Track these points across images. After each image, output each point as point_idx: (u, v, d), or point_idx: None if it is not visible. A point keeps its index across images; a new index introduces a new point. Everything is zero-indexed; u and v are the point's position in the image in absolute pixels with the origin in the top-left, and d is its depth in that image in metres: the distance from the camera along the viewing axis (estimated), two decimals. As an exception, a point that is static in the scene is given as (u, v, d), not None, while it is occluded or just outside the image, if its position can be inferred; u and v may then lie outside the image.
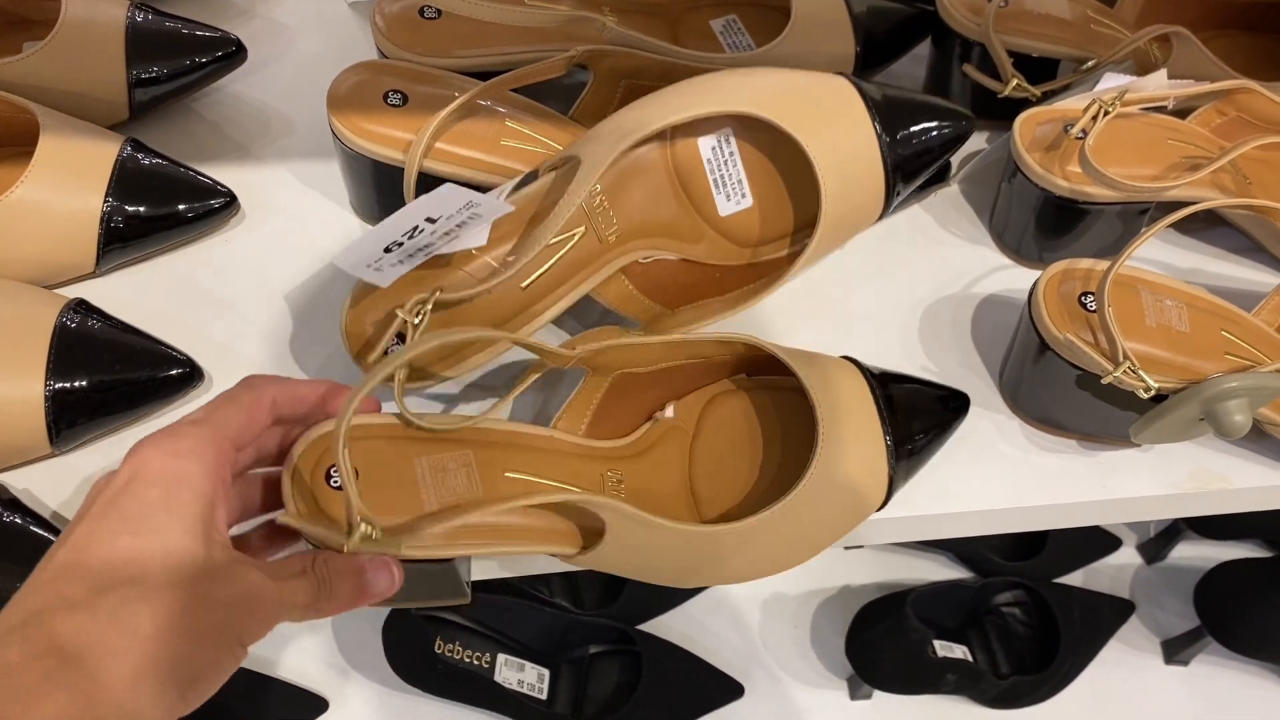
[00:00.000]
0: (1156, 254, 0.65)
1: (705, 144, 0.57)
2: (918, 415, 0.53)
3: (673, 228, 0.57)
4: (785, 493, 0.47)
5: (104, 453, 0.53)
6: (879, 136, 0.54)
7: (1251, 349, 0.54)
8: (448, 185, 0.48)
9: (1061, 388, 0.54)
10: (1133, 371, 0.50)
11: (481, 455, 0.48)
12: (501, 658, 0.92)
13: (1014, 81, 0.63)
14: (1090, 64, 0.63)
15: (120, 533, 0.36)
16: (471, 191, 0.47)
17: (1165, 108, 0.62)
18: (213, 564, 0.37)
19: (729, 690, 0.96)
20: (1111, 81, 0.60)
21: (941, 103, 0.57)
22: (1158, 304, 0.54)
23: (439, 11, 0.62)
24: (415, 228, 0.46)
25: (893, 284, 0.62)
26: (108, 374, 0.51)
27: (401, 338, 0.50)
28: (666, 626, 1.00)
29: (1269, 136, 0.58)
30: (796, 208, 0.57)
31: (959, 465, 0.56)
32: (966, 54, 0.66)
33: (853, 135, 0.54)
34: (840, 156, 0.53)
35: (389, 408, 0.48)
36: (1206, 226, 0.65)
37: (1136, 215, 0.61)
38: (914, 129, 0.55)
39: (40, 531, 0.48)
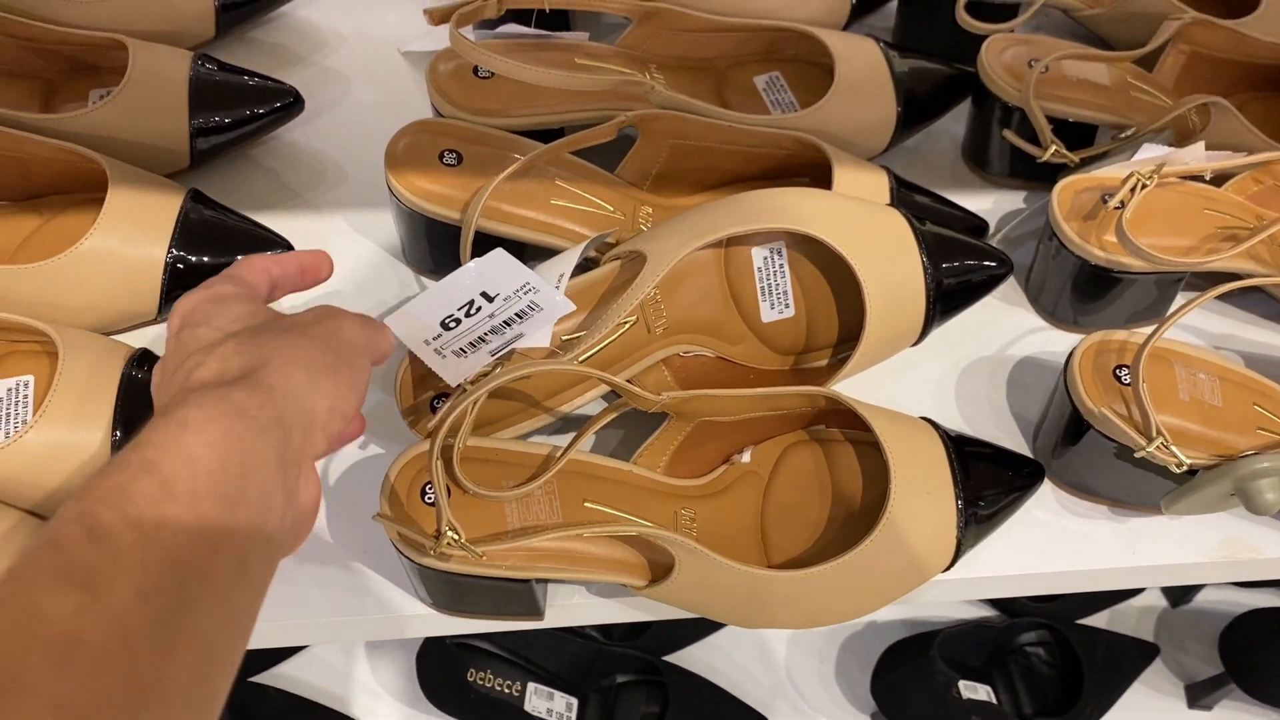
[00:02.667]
0: (1190, 319, 0.66)
1: (758, 253, 0.58)
2: (991, 481, 0.54)
3: (716, 327, 0.59)
4: (853, 544, 0.49)
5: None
6: (925, 270, 0.56)
7: (1282, 422, 0.55)
8: (500, 251, 0.50)
9: (1095, 457, 0.55)
10: (1165, 448, 0.51)
11: (564, 484, 0.51)
12: (531, 686, 0.94)
13: (1053, 148, 0.64)
14: (1129, 132, 0.64)
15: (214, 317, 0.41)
16: (528, 272, 0.49)
17: (1203, 177, 0.63)
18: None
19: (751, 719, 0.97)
20: (1150, 152, 0.61)
21: (985, 245, 0.59)
22: (1191, 377, 0.55)
23: (491, 71, 0.64)
24: (472, 303, 0.48)
25: (930, 342, 0.63)
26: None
27: (443, 397, 0.52)
28: (693, 658, 1.02)
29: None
30: (836, 323, 0.59)
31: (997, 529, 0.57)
32: (1006, 116, 0.67)
33: (902, 265, 0.56)
34: (888, 284, 0.55)
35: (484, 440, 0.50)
36: (1240, 292, 0.66)
37: (1172, 283, 0.62)
38: (958, 267, 0.57)
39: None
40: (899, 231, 0.57)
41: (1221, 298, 0.66)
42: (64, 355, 0.52)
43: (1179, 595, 1.08)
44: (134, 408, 0.53)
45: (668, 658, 1.00)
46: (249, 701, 0.94)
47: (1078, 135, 0.67)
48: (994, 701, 0.97)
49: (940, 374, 0.63)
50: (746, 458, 0.56)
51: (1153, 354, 0.55)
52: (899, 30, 0.78)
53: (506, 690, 0.93)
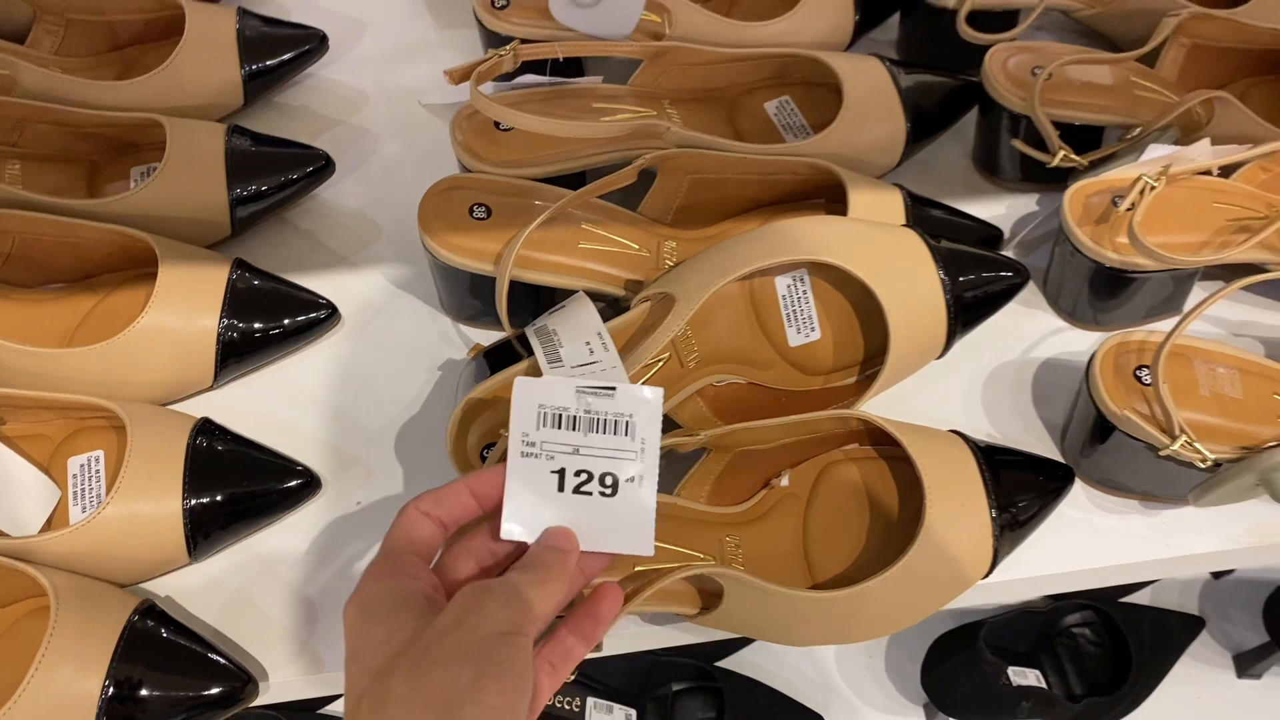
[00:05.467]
0: (1209, 310, 0.67)
1: (781, 282, 0.61)
2: (1023, 487, 0.56)
3: (747, 356, 0.61)
4: (894, 559, 0.51)
5: (233, 558, 0.58)
6: (944, 286, 0.58)
7: (1305, 412, 0.57)
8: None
9: (1122, 456, 0.57)
10: (1190, 445, 0.53)
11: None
12: (591, 701, 0.97)
13: (1061, 153, 0.66)
14: (1135, 132, 0.66)
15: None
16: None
17: (1210, 170, 0.65)
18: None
19: (806, 718, 1.00)
20: (1157, 152, 0.63)
21: (1001, 256, 0.61)
22: (1210, 372, 0.57)
23: (512, 123, 0.67)
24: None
25: (955, 349, 0.65)
26: (237, 488, 0.56)
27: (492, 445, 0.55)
28: (745, 661, 1.04)
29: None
30: (862, 343, 0.61)
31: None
32: (1014, 124, 0.69)
33: (920, 284, 0.58)
34: (908, 303, 0.57)
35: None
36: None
37: (1187, 278, 0.64)
38: (976, 280, 0.59)
39: (179, 640, 0.53)
40: (915, 251, 0.59)
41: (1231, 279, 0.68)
42: (131, 430, 0.55)
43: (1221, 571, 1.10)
44: (202, 477, 0.55)
45: (720, 663, 1.03)
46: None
47: (1085, 137, 0.68)
48: (1044, 686, 0.99)
49: (966, 382, 0.65)
50: (785, 481, 0.58)
51: (1171, 352, 0.57)
52: (902, 45, 0.80)
53: (567, 706, 0.95)
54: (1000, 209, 0.72)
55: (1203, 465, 0.54)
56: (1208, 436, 0.55)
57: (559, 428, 0.46)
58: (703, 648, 1.03)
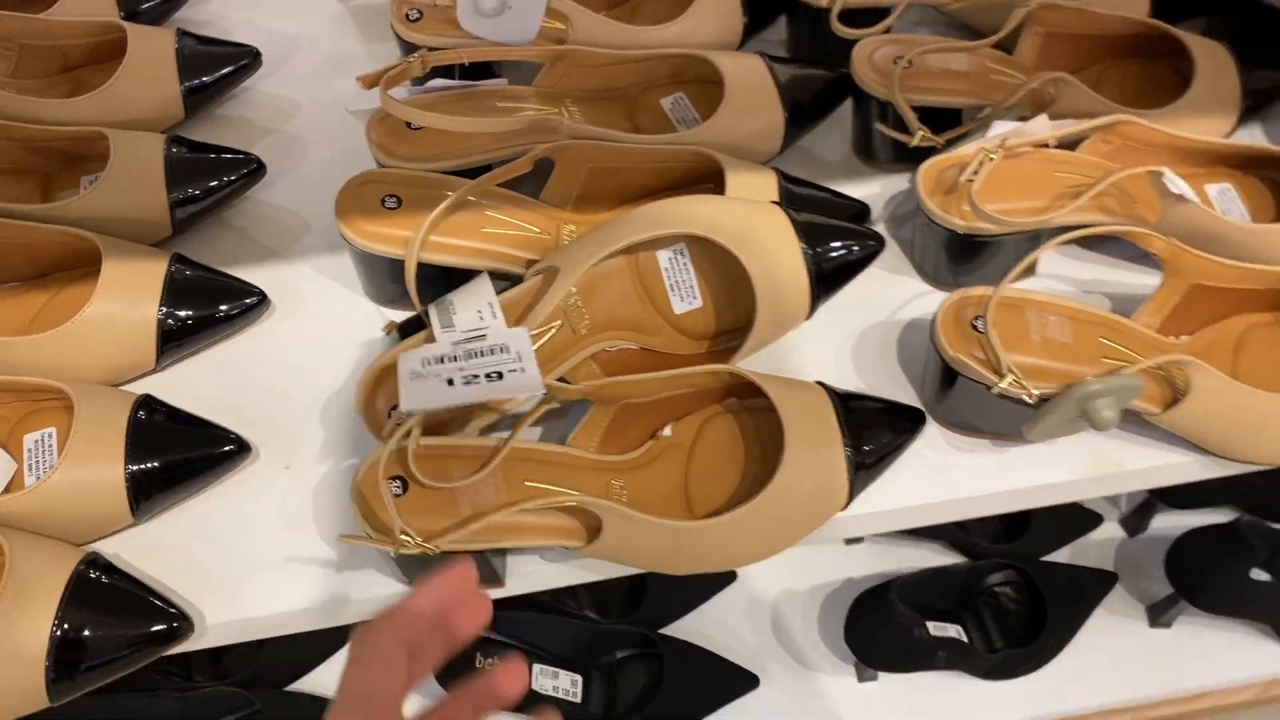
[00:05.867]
0: (1063, 269, 0.74)
1: (663, 255, 0.67)
2: (876, 429, 0.63)
3: (635, 323, 0.68)
4: None
5: (174, 518, 0.64)
6: (805, 255, 0.65)
7: (1128, 351, 0.64)
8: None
9: (967, 399, 0.64)
10: (1017, 383, 0.60)
11: (507, 469, 0.60)
12: (536, 667, 1.03)
13: (920, 134, 0.73)
14: (985, 112, 0.73)
15: None
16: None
17: (1051, 144, 0.72)
18: None
19: (745, 682, 1.06)
20: (1000, 128, 0.70)
21: (857, 227, 0.68)
22: (1041, 320, 0.64)
23: (422, 123, 0.73)
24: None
25: (831, 315, 0.72)
26: (173, 455, 0.63)
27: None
28: (686, 628, 1.10)
29: (1135, 168, 0.68)
30: (740, 308, 0.67)
31: (890, 469, 0.65)
32: (882, 110, 0.76)
33: (783, 254, 0.65)
34: (772, 271, 0.64)
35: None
36: (1106, 240, 0.74)
37: (1035, 241, 0.70)
38: (833, 249, 0.66)
39: (122, 585, 0.59)
40: (779, 224, 0.66)
41: (1091, 246, 0.75)
42: (78, 405, 0.62)
43: (1134, 526, 1.16)
44: (142, 445, 0.62)
45: (664, 630, 1.09)
46: (284, 710, 1.03)
47: (945, 120, 0.75)
48: (964, 640, 1.05)
49: (839, 343, 0.71)
50: (668, 432, 0.65)
51: (1006, 303, 0.64)
52: (791, 44, 0.87)
53: (514, 673, 1.01)
54: (875, 189, 0.79)
55: (1030, 401, 0.60)
56: (1037, 376, 0.61)
57: (442, 363, 0.53)
58: (645, 616, 1.09)
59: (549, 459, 0.61)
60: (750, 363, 0.69)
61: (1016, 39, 0.79)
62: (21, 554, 0.57)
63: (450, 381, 0.56)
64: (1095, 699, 1.08)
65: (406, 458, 0.58)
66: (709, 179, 0.74)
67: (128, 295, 0.67)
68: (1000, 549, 1.12)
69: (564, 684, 1.04)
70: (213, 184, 0.74)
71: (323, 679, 1.08)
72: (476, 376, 0.56)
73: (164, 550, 0.63)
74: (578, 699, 1.04)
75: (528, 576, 0.63)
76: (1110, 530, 1.18)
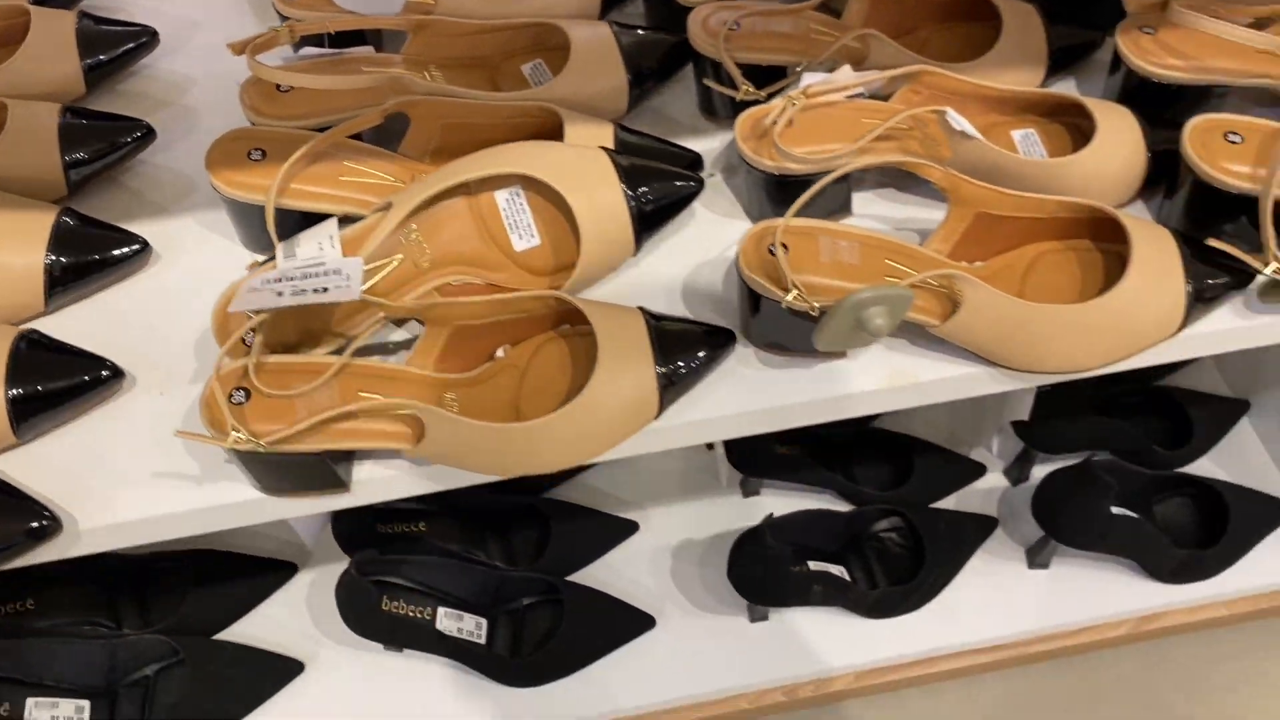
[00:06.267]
0: (873, 209, 0.81)
1: (501, 196, 0.75)
2: (687, 347, 0.70)
3: (478, 259, 0.75)
4: None
5: (57, 439, 0.71)
6: (625, 195, 0.72)
7: (912, 272, 0.70)
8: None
9: (769, 318, 0.71)
10: (800, 296, 0.67)
11: (344, 383, 0.67)
12: (441, 610, 1.09)
13: (744, 88, 0.80)
14: (801, 67, 0.80)
15: None
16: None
17: (864, 94, 0.79)
18: None
19: (643, 622, 1.13)
20: (810, 79, 0.77)
21: (677, 170, 0.75)
22: (833, 245, 0.71)
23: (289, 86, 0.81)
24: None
25: (668, 253, 0.79)
26: (51, 382, 0.69)
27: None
28: (590, 576, 1.17)
29: (920, 109, 0.75)
30: (576, 245, 0.73)
31: (709, 385, 0.72)
32: (716, 70, 0.83)
33: (606, 195, 0.72)
34: (596, 208, 0.71)
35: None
36: (915, 181, 0.81)
37: (843, 181, 0.77)
38: (654, 189, 0.73)
39: (3, 493, 0.66)
40: (602, 166, 0.73)
41: (906, 189, 0.82)
42: (-33, 339, 0.69)
43: (1016, 475, 1.23)
44: (21, 373, 0.69)
45: (570, 577, 1.16)
46: (209, 656, 1.10)
47: (775, 77, 0.82)
48: (844, 577, 1.12)
49: (671, 278, 0.78)
50: (501, 354, 0.72)
51: (800, 231, 0.71)
52: (647, 16, 0.94)
53: (417, 614, 1.08)
54: (716, 143, 0.86)
55: (814, 314, 0.67)
56: (824, 294, 0.68)
57: (279, 282, 0.61)
58: (551, 564, 1.16)
59: (383, 374, 0.68)
60: (600, 291, 0.76)
61: (845, 3, 0.86)
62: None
63: (280, 294, 0.63)
64: (976, 635, 1.15)
65: (250, 374, 0.65)
66: (558, 135, 0.81)
67: (16, 243, 0.74)
68: (886, 495, 1.19)
69: (468, 626, 1.10)
70: (102, 147, 0.81)
71: (247, 629, 1.15)
72: (304, 291, 0.63)
73: (43, 467, 0.70)
74: (482, 640, 1.10)
75: (370, 485, 0.70)
76: (994, 480, 1.24)
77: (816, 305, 0.67)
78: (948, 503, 1.22)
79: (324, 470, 0.67)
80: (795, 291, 0.67)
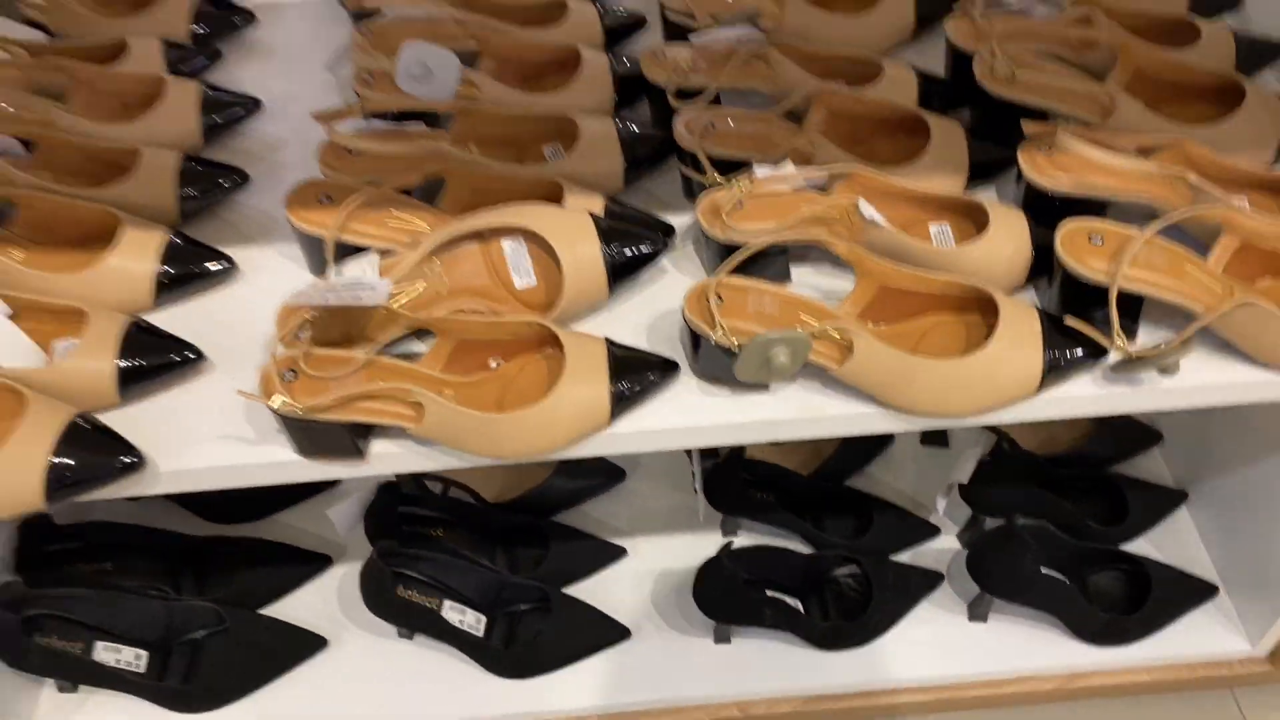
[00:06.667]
0: (812, 280, 0.99)
1: (507, 244, 0.95)
2: (638, 371, 0.89)
3: (486, 292, 0.95)
4: None
5: (150, 403, 0.92)
6: (603, 250, 0.92)
7: (818, 325, 0.89)
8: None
9: (706, 354, 0.89)
10: (725, 336, 0.85)
11: (370, 373, 0.86)
12: (447, 603, 1.28)
13: (711, 176, 1.00)
14: (757, 160, 1.00)
15: None
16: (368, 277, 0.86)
17: (807, 186, 0.98)
18: None
19: (620, 633, 1.30)
20: (761, 171, 0.97)
21: (646, 233, 0.95)
22: (759, 300, 0.90)
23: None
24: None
25: (641, 301, 0.98)
26: (150, 358, 0.91)
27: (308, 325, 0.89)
28: (580, 589, 1.35)
29: (842, 199, 0.94)
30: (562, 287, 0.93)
31: (655, 404, 0.91)
32: (694, 161, 1.03)
33: (587, 248, 0.92)
34: (578, 261, 0.91)
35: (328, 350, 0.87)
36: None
37: (781, 253, 0.96)
38: (626, 247, 0.93)
39: (104, 434, 0.87)
40: (586, 226, 0.93)
41: (836, 265, 1.00)
42: (93, 322, 0.91)
43: (967, 540, 1.38)
44: (130, 350, 0.90)
45: (564, 590, 1.33)
46: (249, 626, 1.29)
47: (738, 168, 1.02)
48: (797, 607, 1.27)
49: (639, 319, 0.97)
50: (494, 364, 0.92)
51: (735, 287, 0.90)
52: (651, 114, 1.15)
53: (427, 604, 1.26)
54: (689, 219, 1.05)
55: (735, 350, 0.86)
56: (747, 335, 0.87)
57: (325, 289, 0.82)
58: (548, 574, 1.33)
59: (399, 370, 0.88)
60: (585, 326, 0.96)
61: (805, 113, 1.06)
62: (35, 403, 0.85)
63: (327, 298, 0.84)
64: (916, 674, 1.29)
65: (298, 361, 0.85)
66: (560, 202, 1.02)
67: (137, 253, 0.97)
68: (848, 544, 1.35)
69: (470, 620, 1.28)
70: (209, 186, 1.04)
71: (284, 608, 1.35)
72: (344, 297, 0.84)
73: (138, 423, 0.91)
74: (481, 634, 1.28)
75: (385, 458, 0.90)
76: (948, 543, 1.40)
77: (737, 343, 0.85)
78: (902, 557, 1.37)
79: (347, 440, 0.86)
80: (721, 331, 0.86)
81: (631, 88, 1.14)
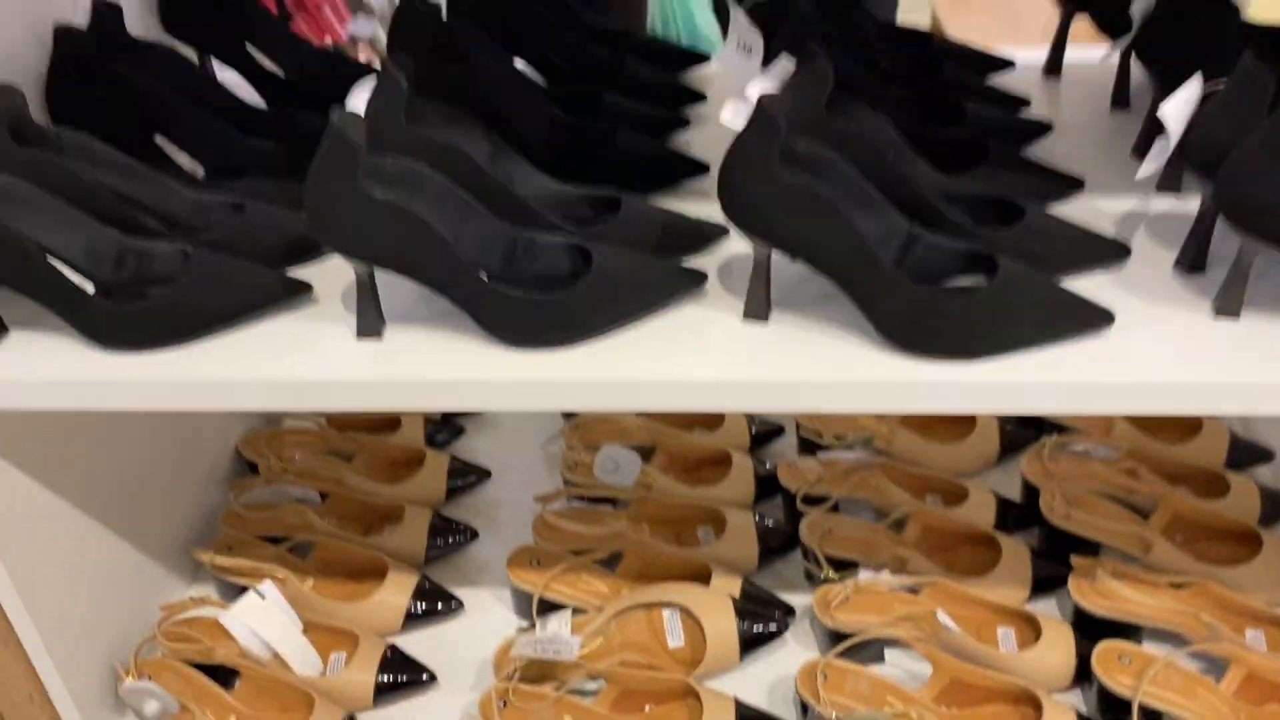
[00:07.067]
0: (902, 662, 1.27)
1: (665, 612, 1.27)
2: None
3: (645, 648, 1.24)
4: None
5: (398, 709, 1.24)
6: (738, 627, 1.23)
7: (899, 704, 1.15)
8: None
9: (811, 718, 1.17)
10: (827, 708, 1.13)
11: (557, 708, 1.16)
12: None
13: (826, 572, 1.30)
14: (861, 564, 1.30)
15: None
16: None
17: (912, 588, 1.27)
18: None
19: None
20: (865, 574, 1.27)
21: (773, 612, 1.26)
22: (856, 680, 1.17)
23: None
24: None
25: (769, 670, 1.27)
26: (398, 676, 1.23)
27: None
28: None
29: (926, 606, 1.23)
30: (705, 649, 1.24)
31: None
32: (816, 557, 1.34)
33: (725, 624, 1.24)
34: (719, 633, 1.22)
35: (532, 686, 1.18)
36: (932, 650, 1.26)
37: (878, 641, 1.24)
38: (756, 624, 1.25)
39: None
40: (726, 608, 1.24)
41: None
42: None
43: None
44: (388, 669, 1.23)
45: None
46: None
47: (848, 566, 1.32)
48: None
49: (763, 682, 1.26)
50: (647, 709, 1.21)
51: (837, 669, 1.18)
52: (784, 513, 1.48)
53: None
54: (808, 598, 1.35)
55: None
56: (845, 710, 1.14)
57: (532, 643, 1.14)
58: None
59: (581, 710, 1.18)
60: (712, 686, 1.25)
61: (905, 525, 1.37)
62: (319, 707, 1.18)
63: (533, 650, 1.16)
64: None
65: (509, 691, 1.16)
66: (707, 577, 1.33)
67: (396, 590, 1.31)
68: None
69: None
70: (450, 538, 1.40)
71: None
72: (546, 650, 1.15)
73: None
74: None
75: None
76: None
77: (835, 717, 1.13)
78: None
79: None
80: (825, 704, 1.14)
81: (769, 486, 1.47)
